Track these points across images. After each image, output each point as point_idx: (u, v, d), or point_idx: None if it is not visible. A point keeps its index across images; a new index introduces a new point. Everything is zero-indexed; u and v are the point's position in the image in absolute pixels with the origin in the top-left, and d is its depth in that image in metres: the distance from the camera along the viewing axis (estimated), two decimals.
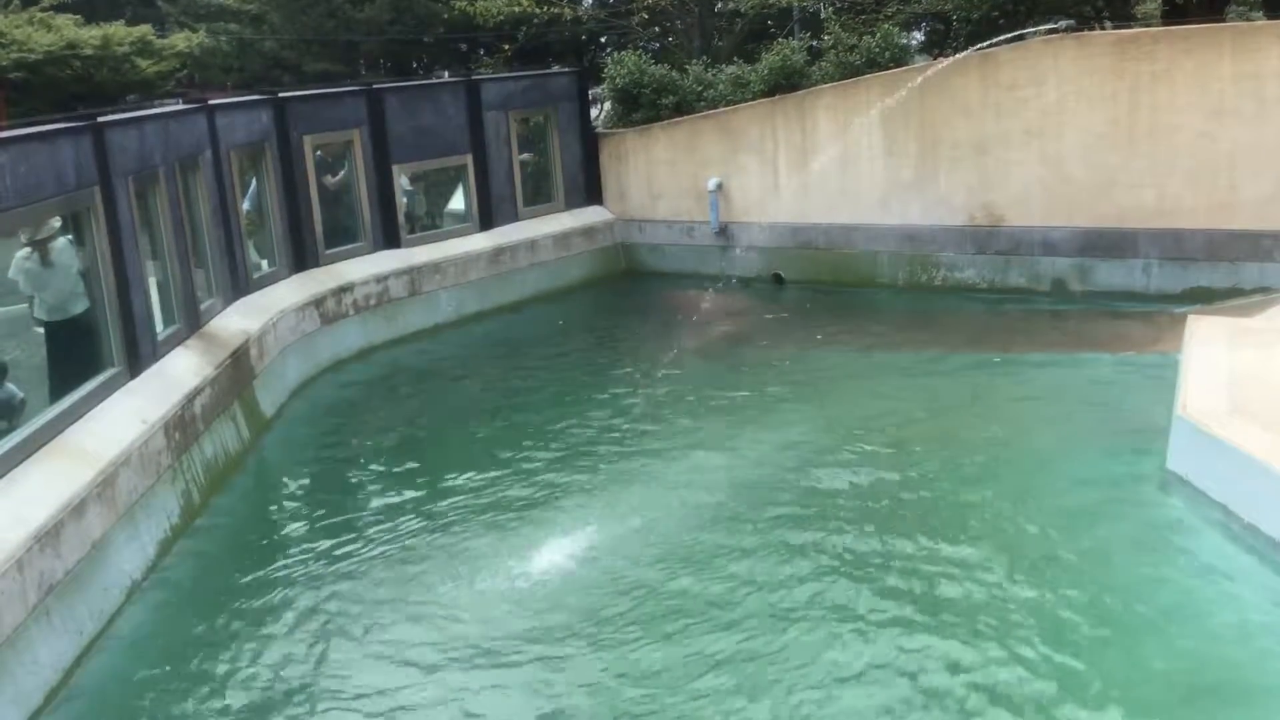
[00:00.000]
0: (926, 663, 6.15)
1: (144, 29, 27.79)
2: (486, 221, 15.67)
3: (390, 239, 14.51)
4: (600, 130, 17.71)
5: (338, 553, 8.12)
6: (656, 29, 23.47)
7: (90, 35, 26.28)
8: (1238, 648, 6.17)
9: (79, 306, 9.55)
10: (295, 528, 8.82)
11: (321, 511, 9.07)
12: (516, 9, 20.92)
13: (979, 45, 14.06)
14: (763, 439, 9.72)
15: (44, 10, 26.91)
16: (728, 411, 10.67)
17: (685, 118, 16.62)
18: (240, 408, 10.44)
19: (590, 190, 17.26)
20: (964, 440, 9.42)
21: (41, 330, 10.29)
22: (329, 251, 13.79)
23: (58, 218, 9.14)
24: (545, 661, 6.45)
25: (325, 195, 13.98)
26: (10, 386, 9.24)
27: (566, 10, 21.48)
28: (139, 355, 9.10)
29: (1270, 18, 17.22)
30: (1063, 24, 14.06)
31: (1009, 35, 14.15)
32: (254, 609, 7.39)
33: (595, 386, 11.83)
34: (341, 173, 14.42)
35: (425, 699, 6.21)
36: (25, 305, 10.55)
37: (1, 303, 14.51)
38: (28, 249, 9.80)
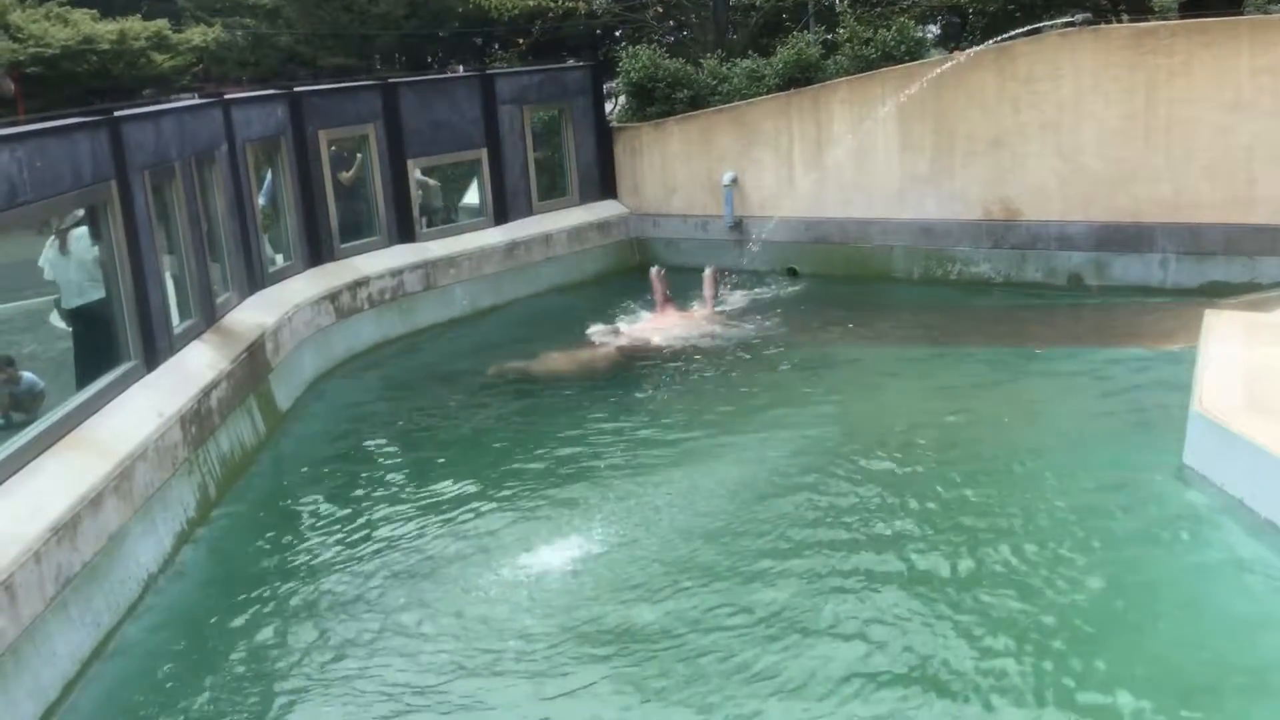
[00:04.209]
0: (939, 651, 6.13)
1: (160, 23, 27.89)
2: (501, 216, 15.69)
3: (405, 233, 14.54)
4: (615, 124, 17.71)
5: (354, 548, 8.14)
6: (671, 23, 23.47)
7: (107, 30, 26.38)
8: (1255, 640, 6.15)
9: (95, 294, 9.62)
10: (311, 522, 8.84)
11: (337, 506, 9.09)
12: (531, 3, 20.93)
13: (995, 38, 14.02)
14: (780, 433, 9.70)
15: (61, 4, 27.02)
16: (746, 404, 10.66)
17: (700, 112, 16.60)
18: (256, 401, 10.48)
19: (605, 184, 17.26)
20: (979, 433, 9.40)
21: (62, 323, 10.42)
22: (344, 246, 13.81)
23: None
24: (563, 662, 6.45)
25: (340, 189, 14.02)
26: (31, 376, 9.33)
27: (581, 5, 21.49)
28: (155, 349, 9.13)
29: None
30: (1079, 17, 14.02)
31: (1025, 28, 14.11)
32: (270, 603, 7.41)
33: (614, 380, 11.82)
34: (354, 168, 14.44)
35: (440, 700, 6.20)
36: (39, 299, 10.68)
37: (21, 296, 14.66)
38: (53, 237, 9.95)
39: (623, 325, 13.54)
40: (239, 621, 7.19)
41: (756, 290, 15.10)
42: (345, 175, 14.31)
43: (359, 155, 14.43)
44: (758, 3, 20.64)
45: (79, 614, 6.70)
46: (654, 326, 13.44)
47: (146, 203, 9.27)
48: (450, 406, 11.51)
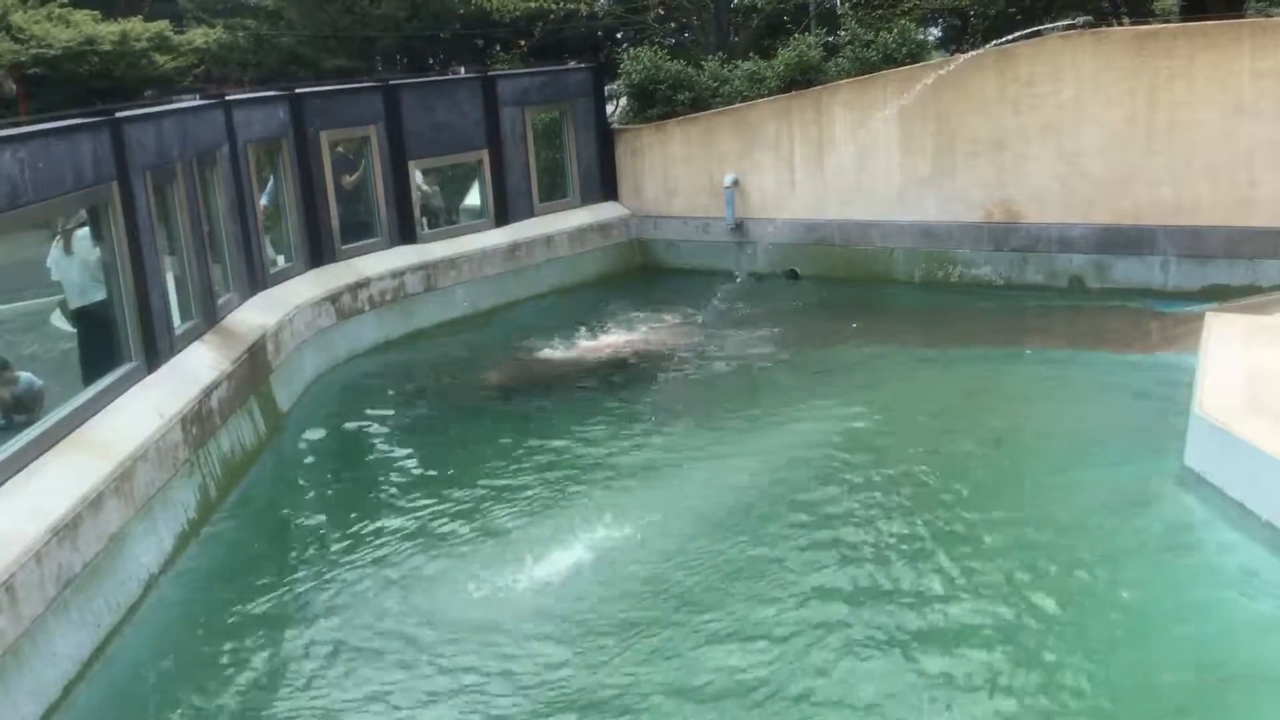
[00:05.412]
0: (941, 657, 6.13)
1: (162, 24, 27.94)
2: (502, 217, 15.69)
3: (406, 234, 14.54)
4: (616, 126, 17.71)
5: (353, 548, 8.14)
6: (673, 25, 23.46)
7: (108, 30, 26.42)
8: (1255, 643, 6.15)
9: (98, 295, 9.63)
10: (312, 523, 8.84)
11: (338, 507, 9.09)
12: (533, 4, 20.92)
13: (996, 41, 14.03)
14: (776, 436, 9.70)
15: (62, 5, 27.05)
16: (745, 407, 10.67)
17: (701, 114, 16.61)
18: (257, 402, 10.48)
19: (606, 186, 17.26)
20: (980, 436, 9.40)
21: (63, 324, 10.42)
22: (345, 247, 13.82)
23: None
24: (564, 662, 6.46)
25: (341, 191, 14.01)
26: (29, 376, 9.32)
27: (583, 6, 21.48)
28: (156, 349, 9.13)
29: None
30: (1080, 19, 14.01)
31: (1026, 31, 14.11)
32: (270, 603, 7.41)
33: (614, 382, 11.82)
34: (359, 171, 14.43)
35: (443, 701, 6.20)
36: (39, 299, 10.70)
37: (20, 297, 14.66)
38: (57, 237, 9.97)
39: (603, 336, 13.55)
40: (239, 622, 7.19)
41: (756, 292, 15.10)
42: (348, 179, 14.32)
43: (364, 161, 14.42)
44: (759, 5, 20.62)
45: (80, 614, 6.70)
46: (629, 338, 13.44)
47: (148, 203, 9.27)
48: (451, 407, 11.52)
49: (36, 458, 7.16)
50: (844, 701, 5.84)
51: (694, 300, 14.54)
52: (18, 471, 6.93)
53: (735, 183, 16.10)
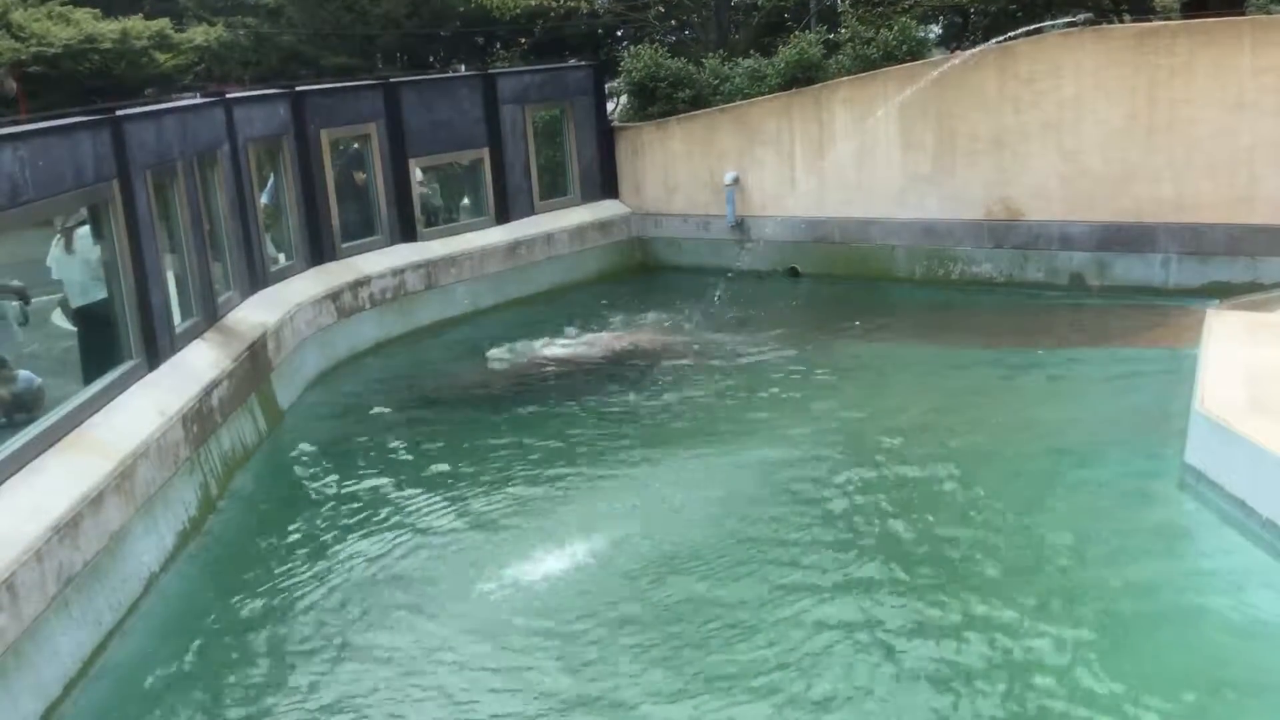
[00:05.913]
0: (937, 657, 6.13)
1: (162, 23, 27.99)
2: (503, 215, 15.69)
3: (407, 232, 14.54)
4: (616, 124, 17.72)
5: (354, 547, 8.14)
6: (673, 22, 23.46)
7: (109, 29, 26.46)
8: (1256, 643, 6.15)
9: (98, 294, 9.64)
10: (312, 521, 8.83)
11: (338, 505, 9.08)
12: (533, 3, 20.92)
13: (997, 38, 14.02)
14: (776, 435, 9.70)
15: (63, 4, 27.08)
16: (744, 407, 10.66)
17: (701, 111, 16.60)
18: (257, 400, 10.48)
19: (606, 184, 17.26)
20: (980, 434, 9.39)
21: (63, 323, 10.40)
22: (346, 245, 13.82)
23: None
24: (561, 663, 6.46)
25: (344, 189, 14.01)
26: (28, 374, 9.32)
27: (583, 4, 21.49)
28: (157, 347, 9.13)
29: None
30: (1081, 17, 14.00)
31: (1027, 28, 14.11)
32: (271, 601, 7.41)
33: (613, 380, 11.82)
34: (365, 174, 14.43)
35: (445, 699, 6.21)
36: (40, 298, 10.69)
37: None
38: (58, 236, 9.97)
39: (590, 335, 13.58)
40: (241, 621, 7.19)
41: (757, 290, 15.09)
42: (361, 175, 14.31)
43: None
44: (760, 2, 20.62)
45: (81, 613, 6.70)
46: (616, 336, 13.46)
47: (148, 202, 9.27)
48: (450, 406, 11.52)
49: (37, 456, 7.16)
50: (833, 694, 5.85)
51: (694, 299, 14.53)
52: (18, 470, 6.93)
53: (736, 180, 16.10)
